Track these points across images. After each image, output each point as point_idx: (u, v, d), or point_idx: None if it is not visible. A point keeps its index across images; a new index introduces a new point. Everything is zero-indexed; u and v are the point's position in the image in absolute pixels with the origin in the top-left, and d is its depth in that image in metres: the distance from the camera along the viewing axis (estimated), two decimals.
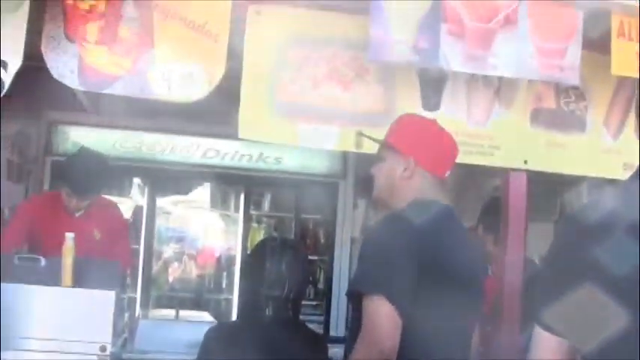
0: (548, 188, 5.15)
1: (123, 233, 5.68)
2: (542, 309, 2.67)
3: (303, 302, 8.68)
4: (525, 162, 4.25)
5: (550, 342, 2.73)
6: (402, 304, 3.00)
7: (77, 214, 5.27)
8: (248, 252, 3.57)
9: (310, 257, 8.75)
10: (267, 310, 3.57)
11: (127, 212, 8.45)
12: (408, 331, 3.04)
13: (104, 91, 3.82)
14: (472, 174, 7.65)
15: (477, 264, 3.36)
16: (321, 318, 8.42)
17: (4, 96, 3.69)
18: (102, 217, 5.41)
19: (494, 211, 4.56)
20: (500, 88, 4.23)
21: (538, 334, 2.77)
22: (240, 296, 3.81)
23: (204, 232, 9.67)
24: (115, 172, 5.82)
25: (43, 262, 4.24)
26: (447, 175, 3.29)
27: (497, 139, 4.24)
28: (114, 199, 6.30)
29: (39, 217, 5.31)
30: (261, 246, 3.81)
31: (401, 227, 3.14)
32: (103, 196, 5.66)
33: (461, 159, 4.04)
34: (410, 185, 3.30)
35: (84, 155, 5.46)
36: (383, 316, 3.00)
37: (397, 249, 3.07)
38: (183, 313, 5.12)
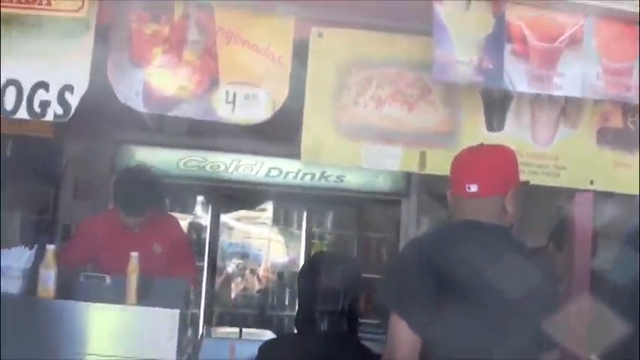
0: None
1: (184, 247, 5.70)
2: None
3: (365, 320, 8.65)
4: (591, 182, 4.19)
5: None
6: (414, 320, 3.01)
7: (135, 230, 5.33)
8: (301, 265, 3.61)
9: (373, 276, 8.74)
10: (321, 324, 3.57)
11: (188, 229, 8.54)
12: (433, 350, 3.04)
13: (169, 114, 3.87)
14: (537, 194, 7.60)
15: (528, 283, 3.30)
16: (384, 337, 8.38)
17: (71, 118, 3.75)
18: (160, 231, 5.44)
19: (563, 231, 4.52)
20: (566, 107, 4.18)
21: None
22: (297, 309, 3.82)
23: (267, 248, 9.71)
24: (166, 186, 5.82)
25: (108, 280, 4.28)
26: (468, 190, 3.24)
27: (563, 159, 4.18)
28: (177, 216, 6.35)
29: (100, 234, 5.35)
30: (314, 260, 3.81)
31: (415, 248, 3.19)
32: (160, 211, 5.71)
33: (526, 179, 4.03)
34: (453, 211, 3.34)
35: (129, 174, 5.55)
36: (396, 331, 3.04)
37: (409, 268, 3.10)
38: (246, 330, 5.13)
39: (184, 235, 5.90)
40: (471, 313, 3.09)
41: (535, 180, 4.14)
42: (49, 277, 4.09)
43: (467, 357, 3.07)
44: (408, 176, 8.11)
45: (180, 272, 5.33)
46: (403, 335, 3.02)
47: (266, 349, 3.63)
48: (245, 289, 9.33)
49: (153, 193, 5.39)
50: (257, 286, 9.39)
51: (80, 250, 5.25)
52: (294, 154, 4.11)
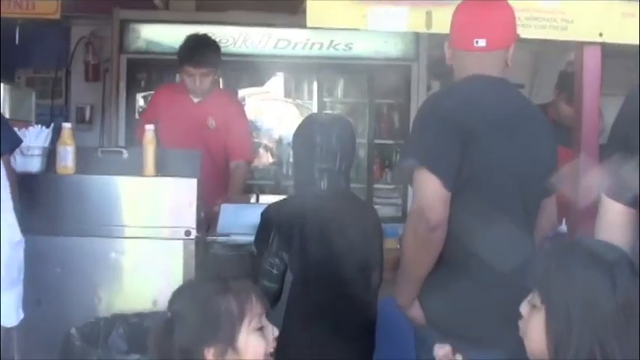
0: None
1: (240, 125, 5.86)
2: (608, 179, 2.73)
3: (381, 186, 8.76)
4: (600, 34, 4.18)
5: (616, 210, 2.79)
6: (446, 175, 3.06)
7: (196, 100, 5.57)
8: (296, 129, 3.67)
9: (386, 142, 8.82)
10: (321, 183, 3.66)
11: None
12: (459, 202, 3.10)
13: None
14: (546, 49, 7.58)
15: (536, 131, 3.37)
16: (399, 201, 8.50)
17: None
18: (218, 106, 5.67)
19: (571, 84, 4.54)
20: None
21: (605, 202, 2.84)
22: (294, 171, 3.92)
23: (280, 121, 9.72)
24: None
25: (125, 153, 4.36)
26: (475, 45, 3.28)
27: (570, 12, 4.16)
28: None
29: (164, 104, 5.68)
30: (308, 121, 3.86)
31: (439, 103, 3.23)
32: (224, 90, 5.90)
33: (534, 34, 4.04)
34: (455, 66, 3.39)
35: (197, 36, 5.82)
36: (427, 188, 3.08)
37: (438, 124, 3.14)
38: (263, 198, 5.23)
39: (242, 114, 6.07)
40: (496, 166, 3.17)
41: (543, 34, 4.15)
42: (66, 153, 4.16)
43: (494, 208, 3.16)
44: (416, 40, 8.09)
45: (234, 148, 5.65)
46: (435, 192, 3.06)
47: (268, 211, 3.72)
48: (260, 163, 9.37)
49: (218, 53, 5.71)
50: (272, 160, 9.43)
51: (149, 116, 5.58)
52: (302, 24, 4.11)
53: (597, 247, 2.25)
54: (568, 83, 5.05)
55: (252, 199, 5.32)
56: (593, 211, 3.12)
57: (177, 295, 2.50)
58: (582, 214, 3.73)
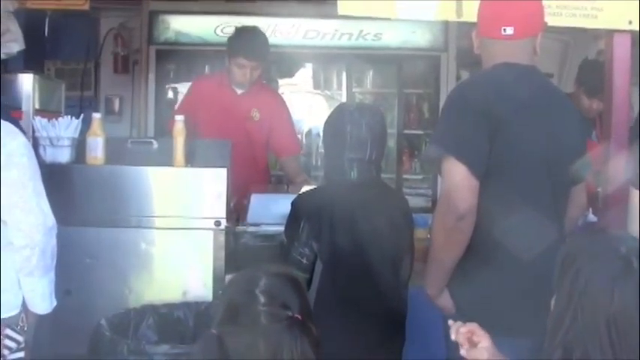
0: None
1: (283, 119, 5.83)
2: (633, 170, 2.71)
3: (410, 177, 8.74)
4: (630, 22, 4.14)
5: None
6: (474, 163, 3.05)
7: (239, 92, 5.52)
8: (327, 118, 3.66)
9: (415, 132, 8.80)
10: (351, 172, 3.65)
11: None
12: (488, 191, 3.08)
13: None
14: (575, 38, 7.52)
15: (565, 119, 3.35)
16: (428, 191, 8.48)
17: None
18: (261, 98, 5.64)
19: (592, 74, 4.50)
20: None
21: (633, 194, 2.82)
22: (325, 161, 3.93)
23: (309, 112, 9.71)
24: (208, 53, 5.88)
25: (155, 144, 4.37)
26: (503, 33, 3.26)
27: (600, 0, 4.13)
28: None
29: (206, 95, 5.60)
30: (340, 112, 3.85)
31: (467, 91, 3.22)
32: (266, 83, 6.05)
33: (564, 22, 4.01)
34: (483, 54, 3.38)
35: (249, 28, 5.77)
36: (455, 175, 3.07)
37: (466, 112, 3.13)
38: (293, 188, 5.23)
39: (285, 108, 5.97)
40: (525, 154, 3.15)
41: (573, 22, 4.11)
42: (96, 144, 4.18)
43: (522, 196, 3.14)
44: (445, 30, 8.06)
45: (283, 144, 5.68)
46: (463, 180, 3.06)
47: (298, 201, 3.73)
48: None
49: (268, 48, 5.63)
50: (302, 151, 9.44)
51: (186, 107, 5.48)
52: (331, 14, 4.10)
53: (613, 243, 2.20)
54: (587, 75, 5.01)
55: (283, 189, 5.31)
56: (621, 200, 3.10)
57: (290, 293, 2.30)
58: (611, 203, 3.72)
